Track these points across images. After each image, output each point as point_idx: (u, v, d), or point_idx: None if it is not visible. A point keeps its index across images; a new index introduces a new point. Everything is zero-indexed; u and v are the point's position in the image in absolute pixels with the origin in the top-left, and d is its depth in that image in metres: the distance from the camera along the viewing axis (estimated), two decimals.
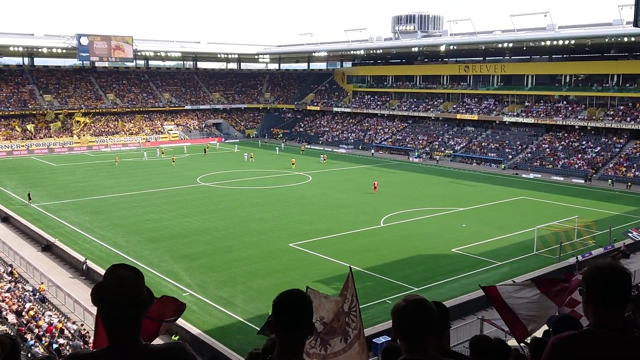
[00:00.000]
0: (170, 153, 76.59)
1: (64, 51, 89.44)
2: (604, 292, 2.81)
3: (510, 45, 76.24)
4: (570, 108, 73.61)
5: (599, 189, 55.80)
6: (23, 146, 78.22)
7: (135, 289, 2.70)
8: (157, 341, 3.54)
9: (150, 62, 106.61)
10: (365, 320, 10.87)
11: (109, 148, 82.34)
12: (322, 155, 74.45)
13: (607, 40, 66.63)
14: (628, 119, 66.43)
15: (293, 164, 67.09)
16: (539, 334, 5.72)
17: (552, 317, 5.48)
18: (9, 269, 30.71)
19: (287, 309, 2.92)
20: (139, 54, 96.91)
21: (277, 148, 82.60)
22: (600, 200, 50.02)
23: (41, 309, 25.61)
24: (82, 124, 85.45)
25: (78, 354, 2.81)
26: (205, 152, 78.12)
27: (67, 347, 20.33)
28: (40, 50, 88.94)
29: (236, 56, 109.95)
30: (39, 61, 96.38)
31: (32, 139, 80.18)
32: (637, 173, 59.33)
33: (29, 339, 20.99)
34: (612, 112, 69.14)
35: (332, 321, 5.70)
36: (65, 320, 24.86)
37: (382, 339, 19.75)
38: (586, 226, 38.47)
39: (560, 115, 72.71)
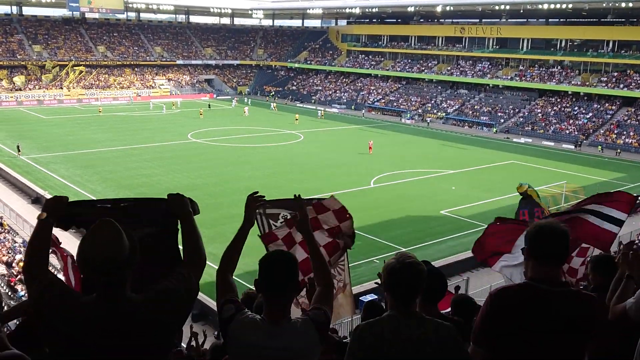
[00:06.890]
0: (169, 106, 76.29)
1: (53, 0, 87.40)
2: (543, 250, 3.06)
3: (507, 7, 75.43)
4: (564, 73, 73.33)
5: (588, 155, 56.10)
6: (12, 97, 77.17)
7: (112, 253, 2.59)
8: None
9: (142, 15, 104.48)
10: (353, 279, 10.99)
11: (99, 101, 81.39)
12: (319, 111, 75.78)
13: (604, 5, 65.99)
14: (621, 86, 66.35)
15: (297, 119, 67.68)
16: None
17: None
18: None
19: (273, 269, 2.98)
20: (130, 5, 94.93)
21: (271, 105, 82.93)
22: (589, 166, 50.32)
23: None
24: (77, 73, 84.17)
25: (65, 299, 2.73)
26: (209, 107, 77.86)
27: None
28: None
29: (229, 11, 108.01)
30: (27, 10, 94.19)
31: (20, 90, 79.14)
32: (627, 140, 59.62)
33: (20, 290, 21.20)
34: (605, 79, 68.99)
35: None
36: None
37: (369, 297, 20.11)
38: (574, 191, 38.75)
39: (554, 80, 72.51)
